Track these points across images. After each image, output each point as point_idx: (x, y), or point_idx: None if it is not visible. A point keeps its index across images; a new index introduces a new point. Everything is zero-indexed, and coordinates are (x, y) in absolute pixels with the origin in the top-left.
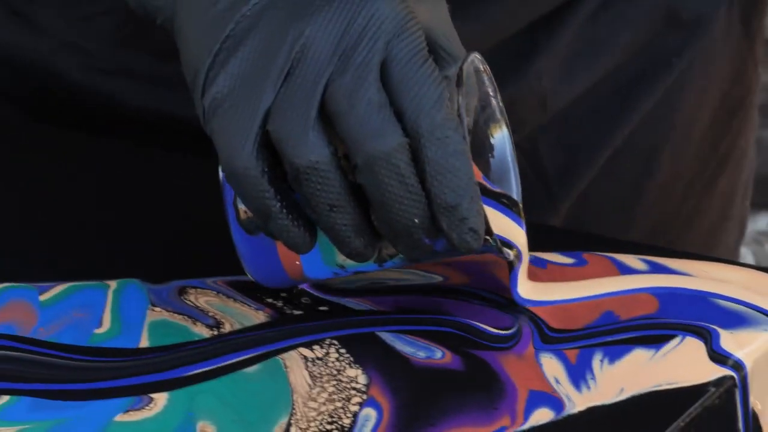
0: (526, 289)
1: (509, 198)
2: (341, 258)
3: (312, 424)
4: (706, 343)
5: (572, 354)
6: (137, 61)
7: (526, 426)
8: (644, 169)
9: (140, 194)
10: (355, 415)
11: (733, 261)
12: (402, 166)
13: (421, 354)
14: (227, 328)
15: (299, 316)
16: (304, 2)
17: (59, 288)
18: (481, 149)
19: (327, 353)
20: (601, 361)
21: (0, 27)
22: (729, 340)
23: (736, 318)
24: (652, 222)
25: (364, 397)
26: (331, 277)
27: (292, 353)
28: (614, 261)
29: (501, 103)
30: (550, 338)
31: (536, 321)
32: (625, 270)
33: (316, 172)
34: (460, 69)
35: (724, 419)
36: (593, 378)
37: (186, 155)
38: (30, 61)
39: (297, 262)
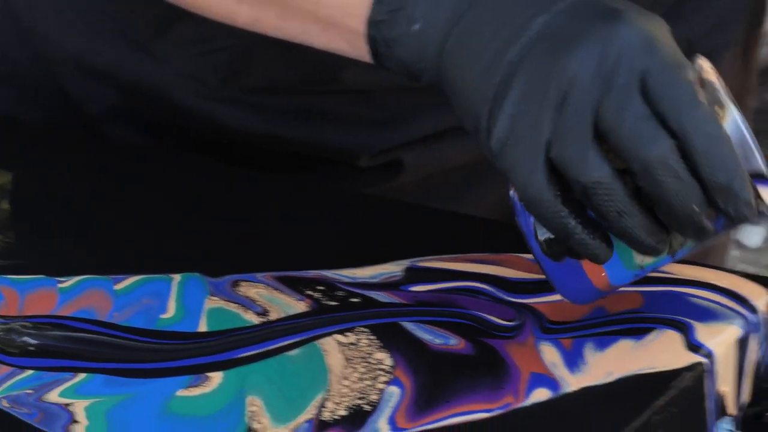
0: None
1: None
2: (639, 259)
3: (344, 400)
4: (683, 334)
5: (567, 342)
6: (245, 91)
7: (528, 403)
8: None
9: (222, 204)
10: (382, 392)
11: (710, 265)
12: (675, 164)
13: (439, 341)
14: (273, 316)
15: (335, 306)
16: (558, 42)
17: (131, 279)
18: None
19: (359, 339)
20: (592, 348)
21: (126, 59)
22: (702, 332)
23: (708, 313)
24: None
25: (390, 376)
26: (633, 279)
27: (329, 339)
28: None
29: (725, 90)
30: (549, 329)
31: (536, 314)
32: None
33: (601, 186)
34: (699, 70)
35: (695, 399)
36: (585, 363)
37: (271, 171)
38: (150, 89)
39: (603, 274)
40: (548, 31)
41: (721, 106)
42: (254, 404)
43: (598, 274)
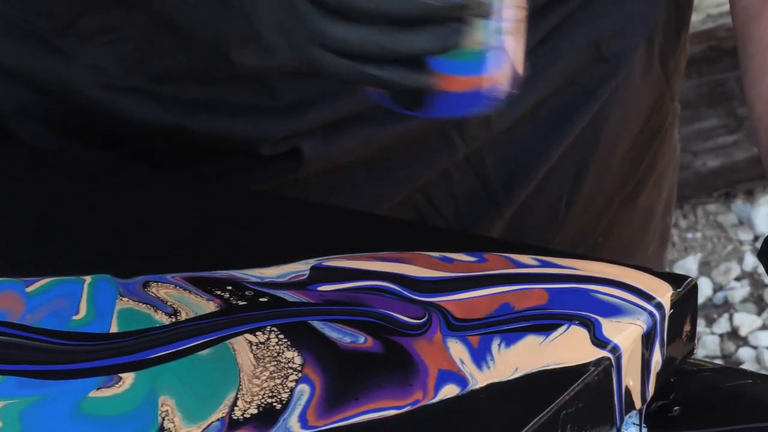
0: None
1: None
2: (472, 43)
3: (255, 398)
4: (589, 330)
5: (474, 339)
6: (145, 80)
7: (436, 399)
8: (573, 182)
9: (123, 200)
10: (292, 390)
11: (616, 261)
12: None
13: (347, 339)
14: (183, 316)
15: (244, 306)
16: None
17: (43, 281)
18: None
19: (268, 338)
20: (499, 345)
21: (35, 57)
22: (608, 328)
23: (614, 309)
24: (577, 227)
25: (300, 375)
26: (500, 53)
27: (239, 338)
28: (510, 259)
29: None
30: (456, 326)
31: (443, 311)
32: (519, 265)
33: (348, 42)
34: None
35: (602, 394)
36: (492, 359)
37: (172, 163)
38: (58, 84)
39: (472, 78)
40: None
41: None
42: (166, 404)
43: (469, 82)
